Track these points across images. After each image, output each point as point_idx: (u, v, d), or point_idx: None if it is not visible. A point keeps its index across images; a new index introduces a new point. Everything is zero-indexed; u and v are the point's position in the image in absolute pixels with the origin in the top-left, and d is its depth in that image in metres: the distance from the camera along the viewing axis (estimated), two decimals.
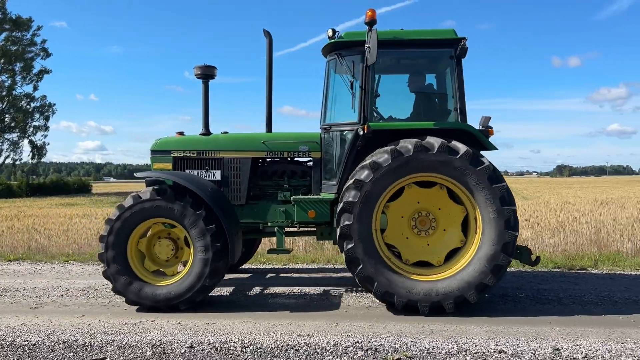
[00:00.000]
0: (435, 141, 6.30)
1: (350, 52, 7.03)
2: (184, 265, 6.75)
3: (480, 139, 6.62)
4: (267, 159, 7.68)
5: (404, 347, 5.22)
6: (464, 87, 6.89)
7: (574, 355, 4.97)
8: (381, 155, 6.36)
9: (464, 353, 5.06)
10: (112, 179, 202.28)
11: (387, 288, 6.31)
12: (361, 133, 6.63)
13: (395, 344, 5.29)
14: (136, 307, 6.71)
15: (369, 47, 6.27)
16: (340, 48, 7.08)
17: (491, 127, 6.83)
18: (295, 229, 7.68)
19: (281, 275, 9.06)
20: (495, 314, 6.39)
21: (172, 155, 7.55)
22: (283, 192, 7.40)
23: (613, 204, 20.89)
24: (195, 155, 7.53)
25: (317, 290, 7.78)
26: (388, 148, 6.39)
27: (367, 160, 6.41)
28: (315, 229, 7.54)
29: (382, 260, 6.42)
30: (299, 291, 7.69)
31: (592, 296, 7.22)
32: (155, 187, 6.72)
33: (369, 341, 5.36)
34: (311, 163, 7.53)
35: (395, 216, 6.62)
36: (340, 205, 6.41)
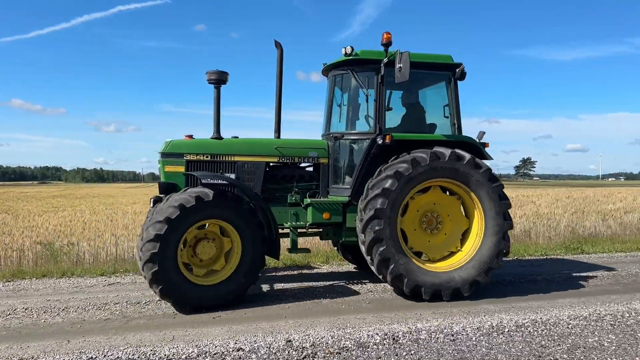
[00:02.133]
0: (445, 150, 7.23)
1: (363, 68, 7.69)
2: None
3: (480, 150, 7.75)
4: (277, 164, 8.04)
5: (143, 357, 5.04)
6: (459, 105, 7.95)
7: (304, 345, 5.45)
8: (401, 165, 7.10)
9: (203, 355, 5.11)
10: None
11: (416, 282, 7.08)
12: (380, 142, 7.32)
13: (134, 355, 5.06)
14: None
15: (400, 67, 6.82)
16: (355, 64, 7.72)
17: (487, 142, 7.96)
18: (304, 230, 8.18)
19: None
20: (238, 313, 6.66)
21: (184, 158, 7.64)
22: (293, 195, 7.90)
23: None
24: (209, 158, 7.71)
25: (47, 306, 7.00)
26: (407, 158, 7.14)
27: (389, 171, 7.10)
28: (320, 230, 8.12)
29: (409, 258, 7.17)
30: (23, 310, 6.81)
31: (321, 289, 8.07)
32: (213, 189, 6.72)
33: (105, 356, 5.02)
34: (311, 168, 8.20)
35: (411, 217, 7.53)
36: (371, 212, 6.98)
